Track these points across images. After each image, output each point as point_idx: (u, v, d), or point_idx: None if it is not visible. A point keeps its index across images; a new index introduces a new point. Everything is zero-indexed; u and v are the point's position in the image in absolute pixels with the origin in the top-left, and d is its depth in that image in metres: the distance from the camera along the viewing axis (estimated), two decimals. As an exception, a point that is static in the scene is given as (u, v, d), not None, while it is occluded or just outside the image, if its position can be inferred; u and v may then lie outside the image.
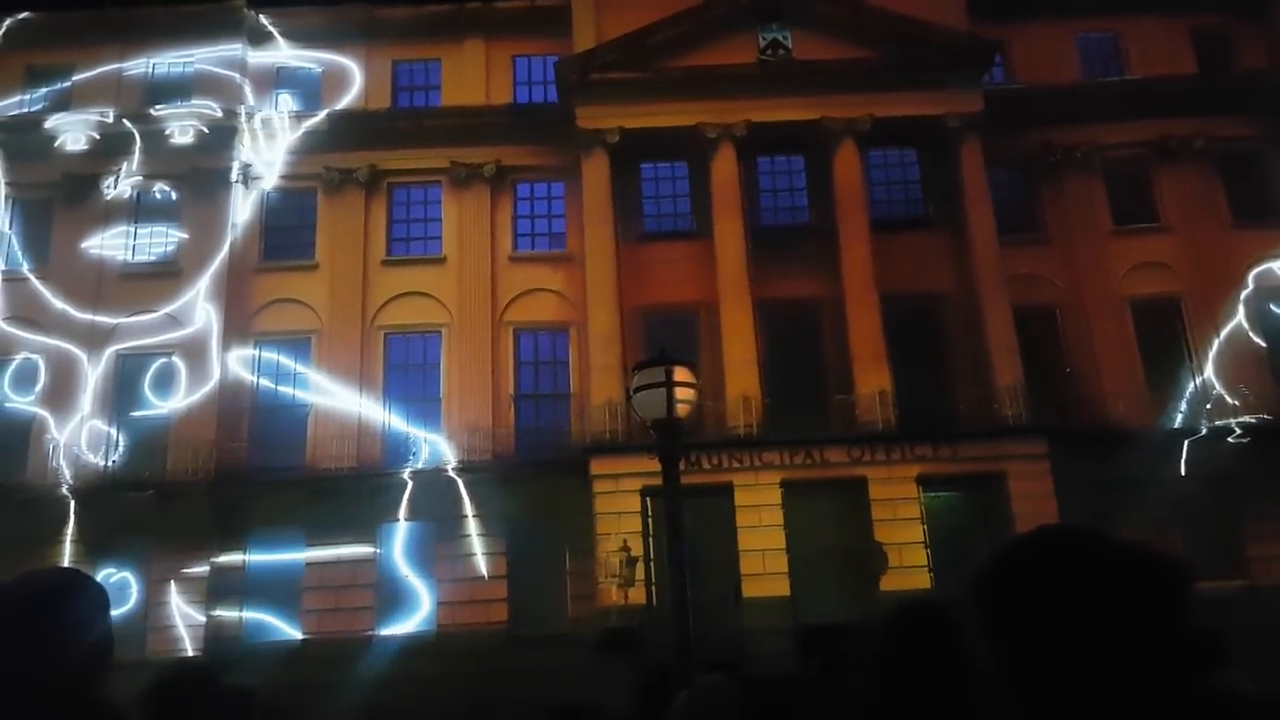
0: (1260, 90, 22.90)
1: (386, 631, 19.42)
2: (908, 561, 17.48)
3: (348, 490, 19.69)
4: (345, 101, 23.37)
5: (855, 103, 21.41)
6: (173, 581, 19.33)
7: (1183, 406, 21.02)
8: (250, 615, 19.76)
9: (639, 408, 8.38)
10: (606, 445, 19.02)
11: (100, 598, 1.65)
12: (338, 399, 21.06)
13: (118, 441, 20.68)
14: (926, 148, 22.47)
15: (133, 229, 22.36)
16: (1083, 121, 22.64)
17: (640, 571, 17.85)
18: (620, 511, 18.44)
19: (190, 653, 18.57)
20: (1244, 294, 21.74)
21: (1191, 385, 21.26)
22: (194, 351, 21.05)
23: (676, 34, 21.75)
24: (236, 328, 21.65)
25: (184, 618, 19.21)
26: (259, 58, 23.80)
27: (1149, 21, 24.13)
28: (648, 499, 18.01)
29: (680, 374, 8.21)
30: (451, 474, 20.09)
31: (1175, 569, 1.15)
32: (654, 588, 17.88)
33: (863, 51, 21.66)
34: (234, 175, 22.46)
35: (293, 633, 19.57)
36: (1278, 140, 22.93)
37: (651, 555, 18.05)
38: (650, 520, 18.13)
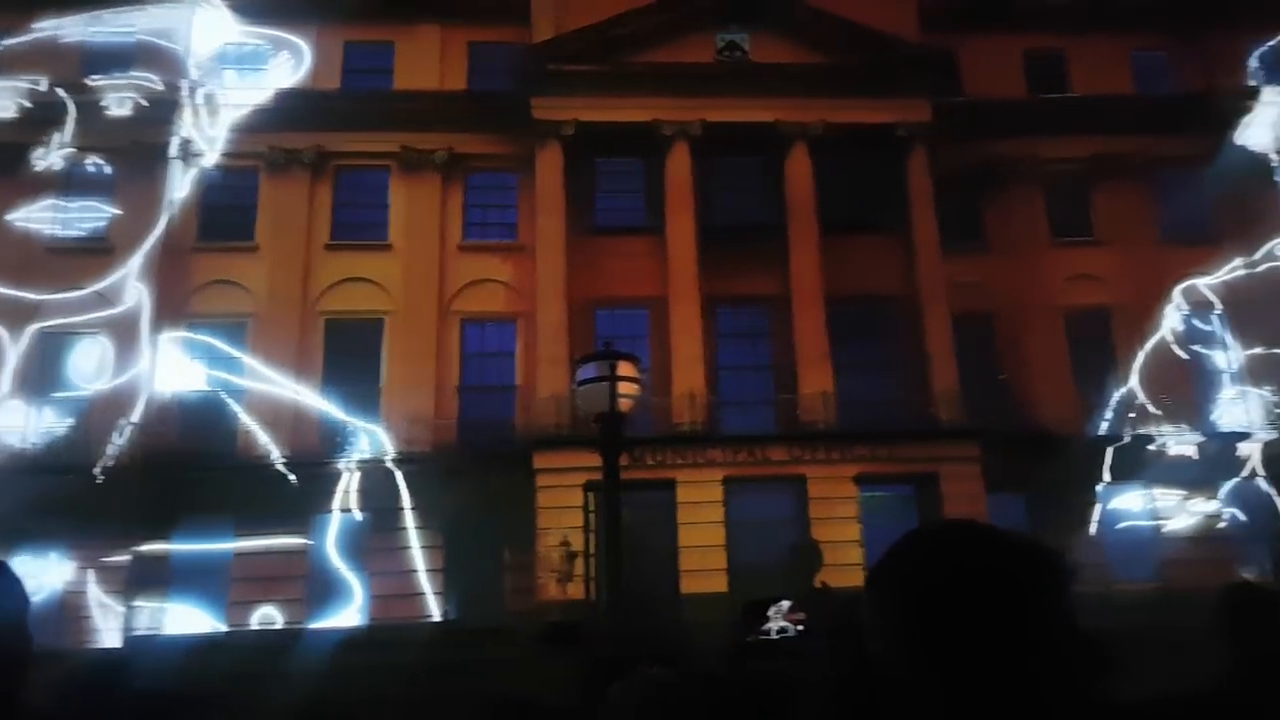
0: (1196, 111, 23.74)
1: (317, 624, 18.98)
2: (843, 560, 17.67)
3: (280, 479, 19.19)
4: (293, 80, 22.75)
5: (809, 107, 21.63)
6: (92, 570, 18.64)
7: (1108, 414, 21.74)
8: (174, 606, 19.15)
9: (582, 401, 8.33)
10: (551, 439, 18.87)
11: (13, 585, 1.51)
12: (273, 385, 20.51)
13: (38, 423, 19.85)
14: (877, 154, 22.78)
15: (63, 202, 21.46)
16: (1026, 135, 23.20)
17: (580, 567, 17.77)
18: (562, 506, 18.33)
19: (108, 644, 17.91)
20: (1169, 308, 22.56)
21: (1118, 394, 21.99)
22: (123, 332, 20.28)
23: (637, 29, 21.68)
24: (169, 309, 20.91)
25: (103, 607, 18.54)
26: (205, 31, 23.00)
27: (1093, 40, 24.84)
28: (590, 494, 17.90)
29: (624, 368, 8.17)
30: (390, 465, 19.74)
31: (1055, 564, 1.17)
32: (594, 583, 17.80)
33: (818, 58, 21.90)
34: (173, 151, 21.68)
35: (218, 625, 19.01)
36: (1209, 160, 23.79)
37: (593, 551, 17.97)
38: (592, 515, 18.03)
